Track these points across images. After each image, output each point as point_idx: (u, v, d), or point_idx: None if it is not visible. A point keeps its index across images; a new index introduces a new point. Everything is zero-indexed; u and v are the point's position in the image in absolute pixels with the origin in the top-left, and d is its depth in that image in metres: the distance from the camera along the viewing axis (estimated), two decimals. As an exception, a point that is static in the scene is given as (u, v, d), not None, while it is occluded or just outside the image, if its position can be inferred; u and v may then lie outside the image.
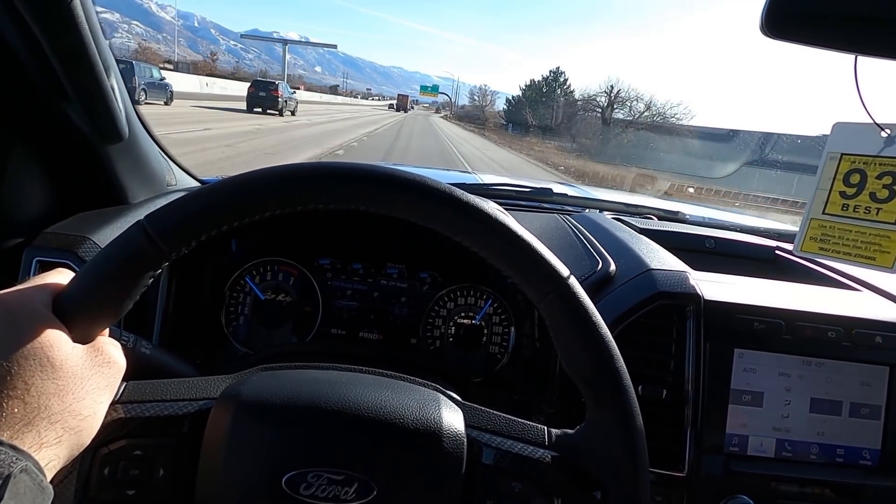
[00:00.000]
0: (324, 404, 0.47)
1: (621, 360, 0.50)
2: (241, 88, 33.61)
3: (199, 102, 26.15)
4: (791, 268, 1.03)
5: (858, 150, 0.75)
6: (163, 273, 0.82)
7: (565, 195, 1.42)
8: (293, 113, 27.22)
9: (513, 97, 59.10)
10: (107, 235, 0.81)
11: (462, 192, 0.49)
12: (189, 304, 0.90)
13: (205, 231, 0.46)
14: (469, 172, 2.12)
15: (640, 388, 0.76)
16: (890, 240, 0.73)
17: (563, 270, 0.50)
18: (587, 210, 1.33)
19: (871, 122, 0.73)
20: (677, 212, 1.39)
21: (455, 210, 0.48)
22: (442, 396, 0.51)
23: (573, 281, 0.50)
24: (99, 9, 0.75)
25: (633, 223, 1.14)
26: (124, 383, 0.49)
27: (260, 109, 24.37)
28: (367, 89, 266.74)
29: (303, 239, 0.99)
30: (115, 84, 0.77)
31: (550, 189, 1.40)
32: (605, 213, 1.32)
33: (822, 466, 0.79)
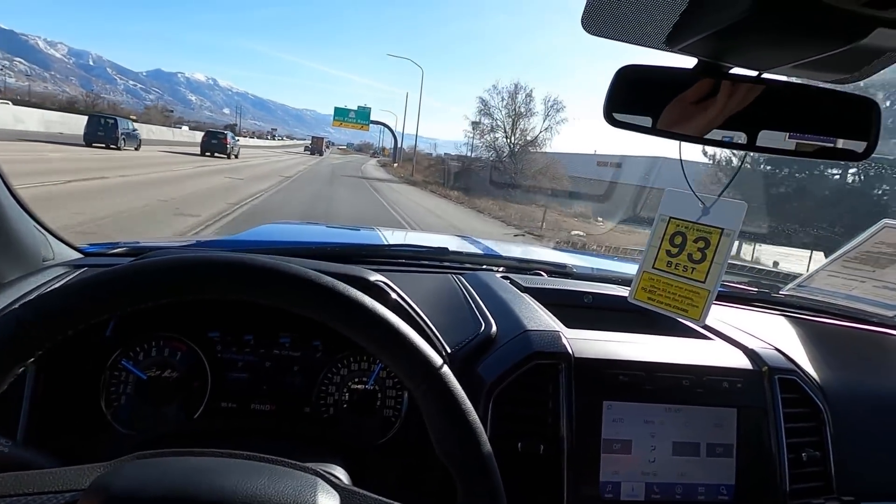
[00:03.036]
0: (197, 495, 0.47)
1: (490, 452, 0.56)
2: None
3: (165, 147, 33.27)
4: (660, 320, 1.15)
5: (682, 215, 0.89)
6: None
7: (461, 253, 1.51)
8: (237, 156, 34.13)
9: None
10: None
11: (340, 283, 0.54)
12: (63, 391, 0.88)
13: (82, 322, 0.49)
14: (372, 229, 2.18)
15: (519, 444, 0.83)
16: (699, 295, 0.87)
17: (436, 361, 0.55)
18: (484, 267, 1.42)
19: (693, 193, 0.87)
20: (565, 265, 1.50)
21: (331, 301, 0.53)
22: (320, 481, 0.53)
23: (445, 371, 0.55)
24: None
25: (520, 282, 1.23)
26: None
27: (209, 153, 31.54)
28: (273, 129, 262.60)
29: (190, 312, 0.99)
30: None
31: (446, 248, 1.48)
32: (499, 269, 1.41)
33: None
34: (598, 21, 0.72)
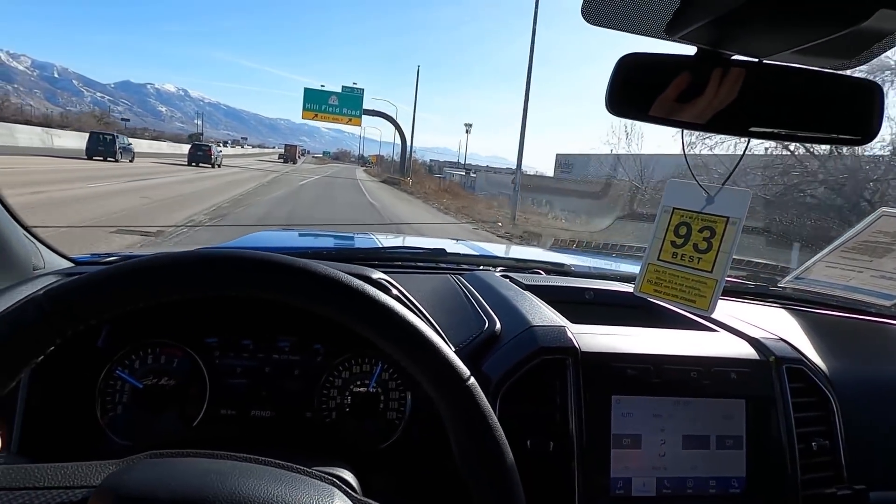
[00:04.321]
0: (212, 499, 0.46)
1: (515, 470, 0.56)
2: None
3: (156, 159, 37.41)
4: (661, 313, 1.17)
5: (686, 205, 0.91)
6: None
7: (458, 254, 1.52)
8: (220, 165, 37.36)
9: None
10: None
11: (370, 286, 0.54)
12: (58, 401, 0.87)
13: (106, 312, 0.49)
14: (367, 235, 2.19)
15: (528, 442, 0.83)
16: (706, 285, 0.89)
17: (464, 372, 0.55)
18: (481, 267, 1.43)
19: (697, 183, 0.89)
20: (563, 264, 1.52)
21: (360, 305, 0.53)
22: (336, 490, 0.53)
23: (472, 383, 0.56)
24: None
25: (520, 280, 1.25)
26: None
27: (195, 164, 35.40)
28: (243, 138, 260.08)
29: (187, 317, 0.98)
30: None
31: (444, 249, 1.49)
32: (497, 269, 1.42)
33: (698, 499, 0.89)
34: (598, 11, 0.73)
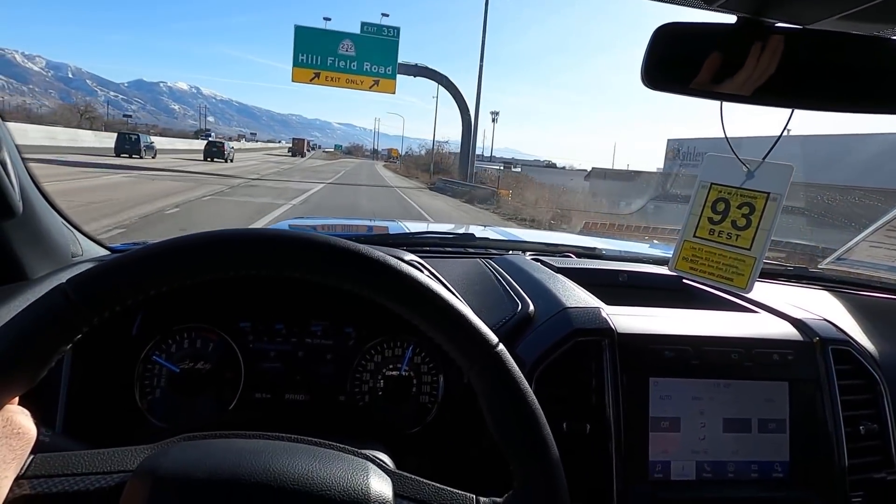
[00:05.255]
0: (247, 476, 0.48)
1: (550, 435, 0.56)
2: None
3: (174, 155, 41.79)
4: (697, 295, 1.16)
5: (725, 180, 0.90)
6: (66, 354, 0.83)
7: (487, 238, 1.52)
8: (232, 160, 40.80)
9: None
10: (2, 314, 0.81)
11: (394, 259, 0.55)
12: (99, 385, 0.90)
13: (129, 297, 0.50)
14: (393, 221, 2.21)
15: (564, 425, 0.83)
16: (745, 263, 0.87)
17: (492, 339, 0.56)
18: (510, 252, 1.43)
19: (736, 157, 0.88)
20: (594, 248, 1.52)
21: (387, 278, 0.54)
22: (370, 465, 0.54)
23: (502, 349, 0.56)
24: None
25: (552, 263, 1.24)
26: (32, 456, 0.49)
27: (210, 158, 38.72)
28: (252, 133, 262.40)
29: (220, 302, 1.00)
30: (6, 158, 0.79)
31: (473, 234, 1.50)
32: (527, 253, 1.42)
33: (740, 484, 0.88)
34: None
